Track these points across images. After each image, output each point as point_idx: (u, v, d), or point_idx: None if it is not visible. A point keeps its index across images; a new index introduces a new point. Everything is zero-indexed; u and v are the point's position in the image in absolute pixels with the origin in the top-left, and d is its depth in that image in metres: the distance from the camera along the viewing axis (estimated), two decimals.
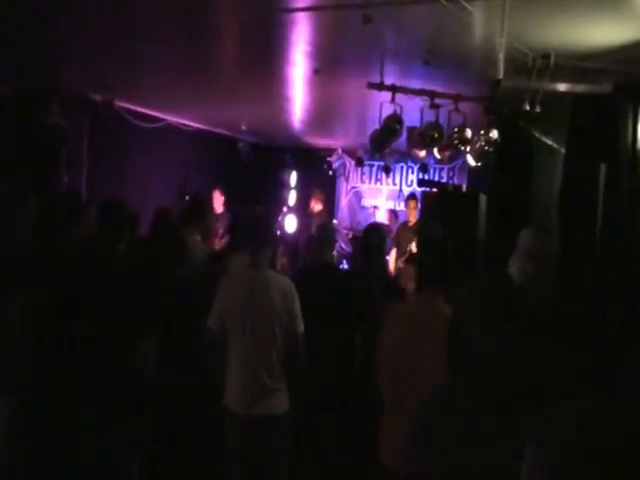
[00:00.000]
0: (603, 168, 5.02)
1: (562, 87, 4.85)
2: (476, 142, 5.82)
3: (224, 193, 8.98)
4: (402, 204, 10.68)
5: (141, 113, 8.42)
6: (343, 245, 9.66)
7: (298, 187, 11.35)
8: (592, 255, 4.99)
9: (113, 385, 3.50)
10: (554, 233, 5.58)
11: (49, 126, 6.85)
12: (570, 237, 5.27)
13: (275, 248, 5.24)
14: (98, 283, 3.57)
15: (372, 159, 10.88)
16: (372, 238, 4.58)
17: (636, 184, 4.80)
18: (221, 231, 7.90)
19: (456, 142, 5.72)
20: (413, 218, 8.74)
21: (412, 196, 9.15)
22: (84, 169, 7.56)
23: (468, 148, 5.85)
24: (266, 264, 3.80)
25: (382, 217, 10.56)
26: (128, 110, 8.10)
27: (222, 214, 8.65)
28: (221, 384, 3.70)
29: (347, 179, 12.02)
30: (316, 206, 9.98)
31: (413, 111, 5.41)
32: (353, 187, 11.99)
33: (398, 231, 8.86)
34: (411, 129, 5.88)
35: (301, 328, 3.69)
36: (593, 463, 1.25)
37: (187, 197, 7.96)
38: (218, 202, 8.85)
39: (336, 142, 11.26)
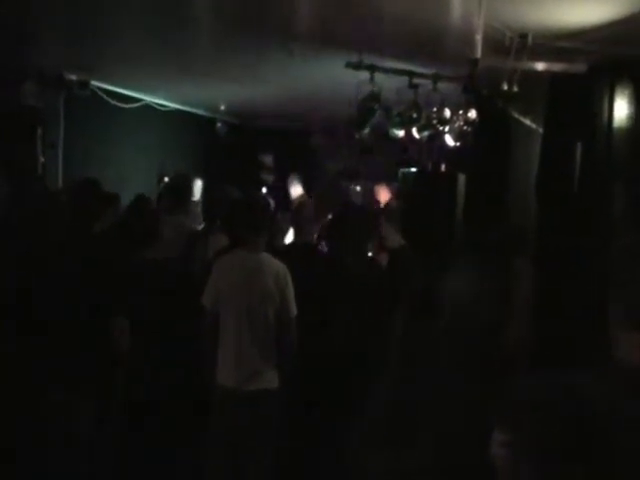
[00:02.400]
0: (579, 146, 5.07)
1: (539, 66, 4.88)
2: (455, 122, 5.84)
3: (203, 177, 8.86)
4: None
5: (118, 93, 8.31)
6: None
7: (277, 168, 11.26)
8: (569, 232, 5.05)
9: (82, 362, 3.50)
10: (531, 211, 5.63)
11: (24, 106, 6.75)
12: (547, 215, 5.33)
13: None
14: (69, 261, 3.55)
15: (351, 139, 10.84)
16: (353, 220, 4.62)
17: (612, 162, 4.85)
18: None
19: (435, 122, 5.74)
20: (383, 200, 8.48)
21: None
22: (60, 149, 7.46)
23: (447, 128, 5.87)
24: (262, 247, 3.82)
25: (360, 197, 10.53)
26: (104, 90, 8.00)
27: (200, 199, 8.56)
28: (211, 360, 3.73)
29: (326, 159, 11.99)
30: (295, 190, 9.16)
31: (391, 91, 5.40)
32: (332, 167, 11.96)
33: None
34: (389, 109, 5.88)
35: (294, 312, 3.74)
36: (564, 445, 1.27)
37: (165, 179, 7.91)
38: (197, 188, 8.73)
39: (315, 122, 11.21)
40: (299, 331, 3.77)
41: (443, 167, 8.78)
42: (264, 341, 3.71)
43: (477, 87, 5.10)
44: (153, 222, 4.29)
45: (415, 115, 5.62)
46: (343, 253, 4.31)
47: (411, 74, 5.35)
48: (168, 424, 4.03)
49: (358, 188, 11.07)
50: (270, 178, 11.16)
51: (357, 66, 5.18)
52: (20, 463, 3.46)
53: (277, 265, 3.77)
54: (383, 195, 8.46)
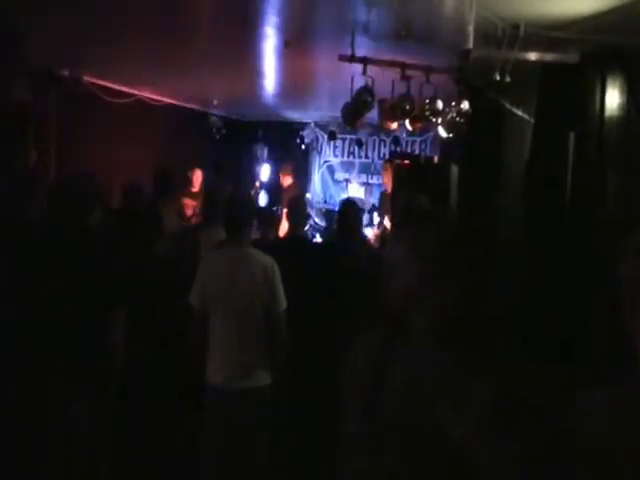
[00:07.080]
0: (572, 137, 5.09)
1: (532, 57, 4.89)
2: (447, 113, 5.85)
3: (202, 171, 8.90)
4: (374, 178, 10.80)
5: (110, 88, 8.29)
6: (317, 219, 9.67)
7: (270, 161, 11.30)
8: (560, 224, 5.07)
9: (80, 358, 3.50)
10: (523, 202, 5.65)
11: (16, 102, 6.73)
12: (538, 206, 5.34)
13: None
14: (65, 257, 3.54)
15: (344, 132, 10.89)
16: (348, 214, 4.69)
17: (603, 151, 4.87)
18: (197, 207, 7.86)
19: (427, 114, 5.75)
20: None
21: (388, 161, 8.82)
22: (52, 145, 7.44)
23: (439, 120, 5.88)
24: (247, 242, 3.81)
25: (354, 190, 10.57)
26: (97, 85, 7.97)
27: (199, 192, 8.60)
28: (199, 359, 3.71)
29: (320, 153, 12.02)
30: (285, 180, 9.68)
31: (384, 83, 5.41)
32: (326, 161, 11.99)
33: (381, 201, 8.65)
34: (383, 101, 5.88)
35: (283, 305, 3.71)
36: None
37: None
38: (197, 180, 8.77)
39: (308, 116, 11.22)
40: (304, 325, 3.78)
41: (436, 158, 8.82)
42: (254, 337, 3.68)
43: (469, 78, 5.11)
44: (157, 215, 4.26)
45: (408, 107, 5.63)
46: (354, 244, 4.39)
47: (404, 66, 5.36)
48: (166, 420, 4.04)
49: (351, 180, 11.12)
50: (264, 170, 11.21)
51: (350, 59, 5.18)
52: (19, 462, 3.46)
53: (264, 259, 3.75)
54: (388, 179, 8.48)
